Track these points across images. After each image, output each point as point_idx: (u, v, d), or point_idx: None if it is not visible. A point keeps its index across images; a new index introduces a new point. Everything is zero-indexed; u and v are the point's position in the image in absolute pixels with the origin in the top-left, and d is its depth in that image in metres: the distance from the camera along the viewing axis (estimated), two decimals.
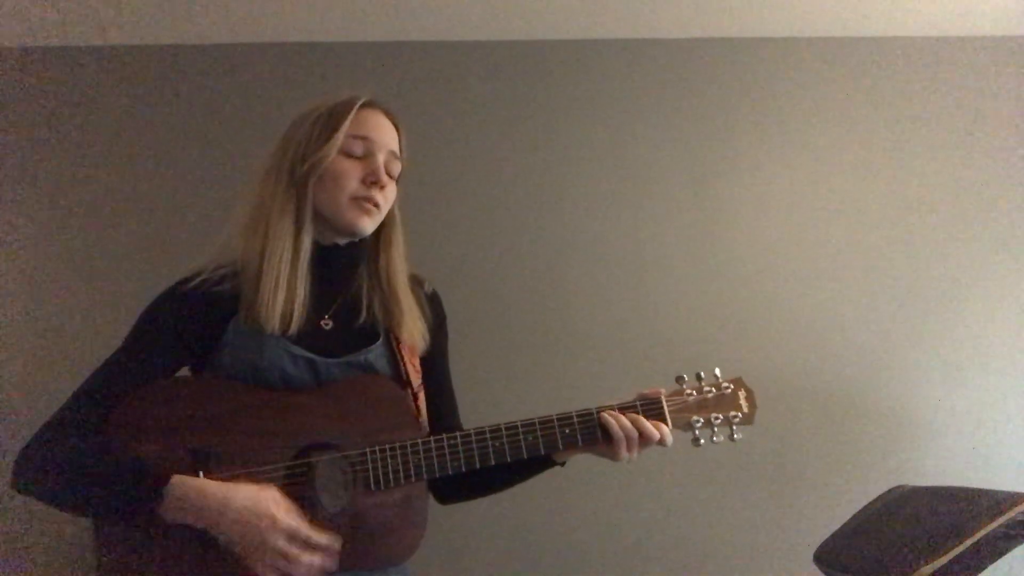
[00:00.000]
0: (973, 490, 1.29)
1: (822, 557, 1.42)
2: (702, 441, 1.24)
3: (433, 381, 1.30)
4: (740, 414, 1.26)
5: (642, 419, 1.18)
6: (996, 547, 1.10)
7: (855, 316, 2.37)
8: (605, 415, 1.18)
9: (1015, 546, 1.10)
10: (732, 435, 1.26)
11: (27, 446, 1.08)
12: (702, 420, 1.24)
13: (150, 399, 1.10)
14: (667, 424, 1.20)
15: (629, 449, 1.17)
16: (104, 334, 2.28)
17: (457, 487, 1.25)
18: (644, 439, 1.17)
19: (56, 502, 1.08)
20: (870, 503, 1.52)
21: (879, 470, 2.24)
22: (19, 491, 1.08)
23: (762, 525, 2.21)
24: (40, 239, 2.33)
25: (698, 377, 1.27)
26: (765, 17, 2.46)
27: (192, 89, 2.46)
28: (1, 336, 2.27)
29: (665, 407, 1.21)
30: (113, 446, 1.06)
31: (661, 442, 1.18)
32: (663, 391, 1.23)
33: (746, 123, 2.49)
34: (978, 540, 1.10)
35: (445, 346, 1.36)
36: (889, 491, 1.54)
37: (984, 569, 1.10)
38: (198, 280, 1.20)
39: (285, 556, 1.00)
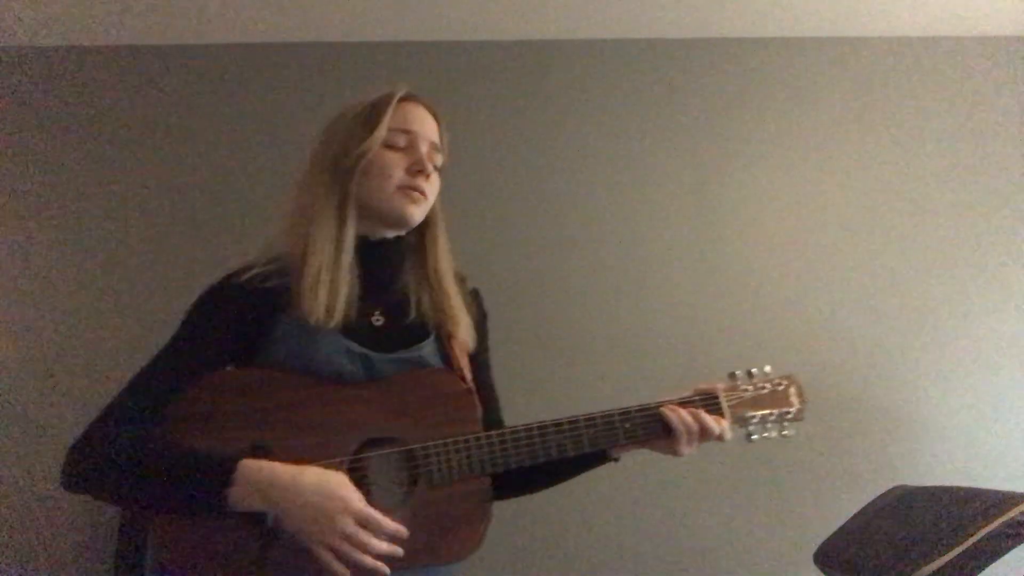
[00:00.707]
0: (973, 490, 1.29)
1: (822, 557, 1.42)
2: (754, 437, 1.25)
3: (478, 379, 1.28)
4: (792, 410, 1.27)
5: (703, 413, 1.19)
6: (996, 547, 1.10)
7: (855, 316, 2.37)
8: (665, 409, 1.18)
9: (1015, 546, 1.10)
10: (783, 431, 1.27)
11: (78, 443, 1.06)
12: (757, 416, 1.25)
13: (207, 392, 1.09)
14: (725, 419, 1.21)
15: (689, 443, 1.18)
16: (104, 334, 2.28)
17: (511, 483, 1.21)
18: (704, 433, 1.18)
19: (114, 497, 1.06)
20: (870, 503, 1.52)
21: (879, 470, 2.23)
22: (70, 489, 1.05)
23: (762, 525, 2.21)
24: (40, 238, 2.33)
25: (749, 373, 1.28)
26: (765, 17, 2.46)
27: (192, 89, 2.46)
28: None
29: (723, 402, 1.22)
30: (171, 439, 1.05)
31: (720, 437, 1.19)
32: (720, 386, 1.24)
33: (746, 123, 2.49)
34: (978, 540, 1.10)
35: (487, 344, 1.36)
36: (889, 491, 1.54)
37: (984, 569, 1.10)
38: (248, 274, 1.18)
39: (354, 541, 0.98)
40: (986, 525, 1.10)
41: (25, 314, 2.28)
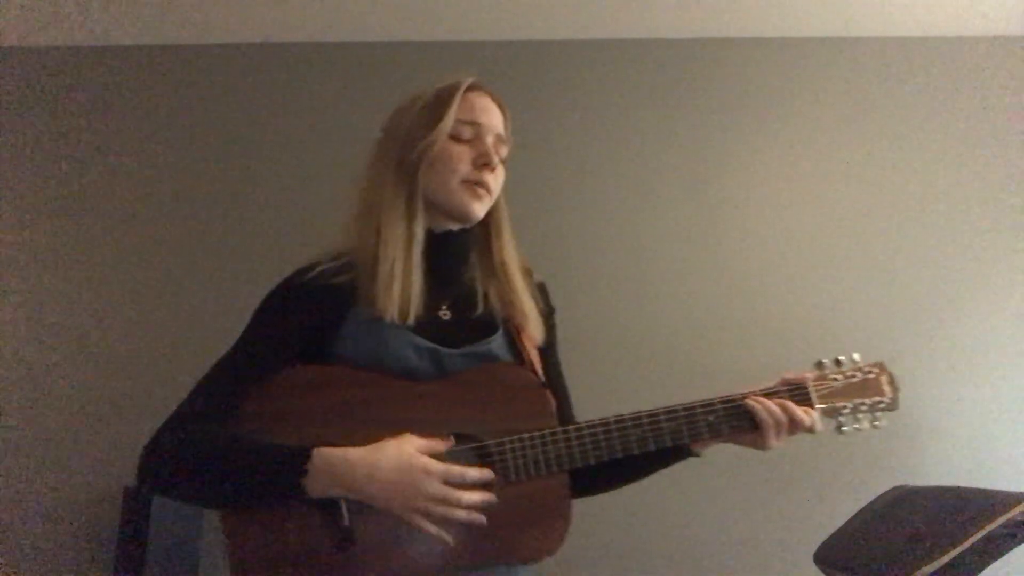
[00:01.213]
0: (973, 490, 1.29)
1: (822, 557, 1.42)
2: (845, 428, 1.20)
3: (548, 373, 1.26)
4: (885, 400, 1.22)
5: (791, 404, 1.14)
6: (996, 547, 1.10)
7: (855, 315, 2.36)
8: (751, 401, 1.14)
9: (1015, 546, 1.10)
10: (875, 422, 1.22)
11: (151, 443, 1.06)
12: (848, 406, 1.20)
13: (276, 390, 1.08)
14: (814, 410, 1.17)
15: (778, 436, 1.14)
16: (103, 334, 2.28)
17: (585, 481, 1.18)
18: (793, 425, 1.14)
19: (190, 495, 1.06)
20: (870, 503, 1.52)
21: (879, 470, 2.23)
22: (145, 489, 1.06)
23: (762, 525, 2.21)
24: (39, 238, 2.33)
25: (838, 362, 1.23)
26: (765, 17, 2.46)
27: (192, 89, 2.46)
28: None
29: (812, 392, 1.18)
30: (243, 434, 1.04)
31: (811, 428, 1.15)
32: (809, 376, 1.20)
33: (746, 123, 2.49)
34: (978, 540, 1.09)
35: (555, 337, 1.33)
36: (889, 491, 1.54)
37: (984, 569, 1.10)
38: (316, 271, 1.16)
39: (445, 499, 0.97)
40: (986, 525, 1.10)
41: (24, 314, 2.28)
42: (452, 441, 1.04)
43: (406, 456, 0.99)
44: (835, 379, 1.21)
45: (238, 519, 1.02)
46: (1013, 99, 2.53)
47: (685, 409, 1.13)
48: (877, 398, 1.22)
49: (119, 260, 2.33)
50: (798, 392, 1.18)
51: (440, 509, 0.97)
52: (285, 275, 1.19)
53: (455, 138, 1.17)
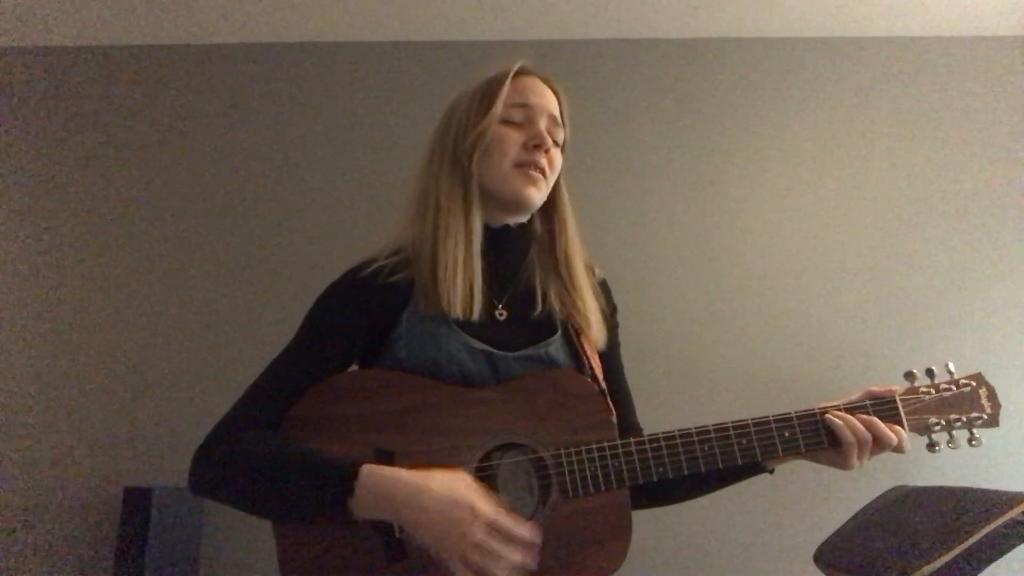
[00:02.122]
0: (973, 490, 1.28)
1: (822, 557, 1.42)
2: (938, 447, 1.12)
3: (611, 378, 1.19)
4: (984, 415, 1.13)
5: (876, 421, 1.06)
6: (996, 547, 1.09)
7: (855, 315, 2.36)
8: (831, 416, 1.06)
9: (1015, 546, 1.10)
10: (972, 439, 1.13)
11: (203, 446, 1.02)
12: (941, 423, 1.11)
13: (330, 394, 1.03)
14: (903, 427, 1.09)
15: (860, 455, 1.06)
16: (102, 335, 2.28)
17: (650, 493, 1.13)
18: (878, 444, 1.06)
19: (238, 502, 1.02)
20: (870, 503, 1.51)
21: (879, 470, 2.23)
22: (197, 493, 1.02)
23: (762, 525, 2.21)
24: (38, 237, 2.33)
25: (930, 373, 1.14)
26: (765, 17, 2.46)
27: (193, 89, 2.46)
28: None
29: (900, 408, 1.10)
30: (293, 443, 1.00)
31: (898, 448, 1.07)
32: (897, 389, 1.11)
33: (746, 123, 2.49)
34: (978, 540, 1.09)
35: (618, 340, 1.27)
36: (889, 491, 1.54)
37: (984, 569, 1.09)
38: (372, 269, 1.10)
39: (486, 551, 0.89)
40: (986, 525, 1.09)
41: (23, 315, 2.28)
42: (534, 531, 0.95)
43: (458, 490, 0.92)
44: (927, 393, 1.13)
45: (291, 525, 1.00)
46: (1013, 99, 2.53)
47: (758, 424, 1.06)
48: (974, 413, 1.13)
49: (119, 260, 2.33)
50: (885, 407, 1.10)
51: (479, 559, 0.89)
52: (345, 270, 1.13)
53: (506, 122, 1.12)
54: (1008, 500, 1.13)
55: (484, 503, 0.91)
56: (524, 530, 0.92)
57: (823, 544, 1.46)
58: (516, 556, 0.91)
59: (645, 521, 2.20)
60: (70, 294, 2.30)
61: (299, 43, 2.49)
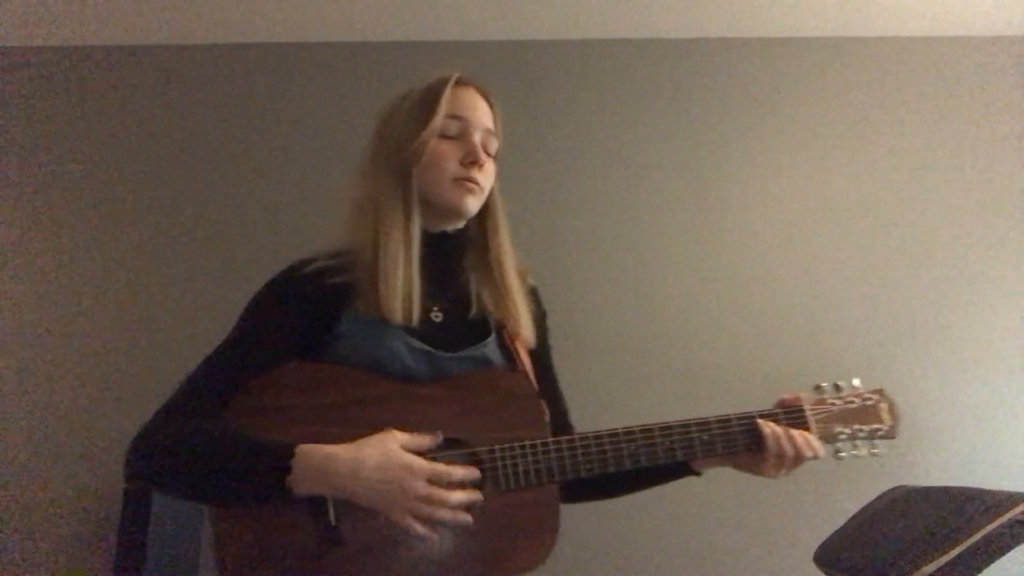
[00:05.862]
0: (973, 490, 1.29)
1: (822, 557, 1.42)
2: (842, 454, 1.17)
3: (542, 378, 1.24)
4: (883, 427, 1.20)
5: (793, 431, 1.11)
6: (996, 547, 1.09)
7: (854, 315, 2.36)
8: (760, 422, 1.11)
9: (1015, 546, 1.10)
10: (873, 449, 1.20)
11: (141, 433, 1.04)
12: (846, 432, 1.17)
13: (273, 386, 1.06)
14: (812, 432, 1.13)
15: (778, 463, 1.11)
16: (101, 335, 2.28)
17: (581, 489, 1.17)
18: (798, 453, 1.10)
19: (175, 487, 1.05)
20: (870, 503, 1.51)
21: (879, 470, 2.23)
22: (131, 479, 1.03)
23: (762, 525, 2.21)
24: (38, 238, 2.33)
25: (837, 387, 1.20)
26: (765, 17, 2.46)
27: (193, 89, 2.46)
28: None
29: (809, 416, 1.15)
30: (230, 428, 1.02)
31: (814, 456, 1.11)
32: (805, 398, 1.17)
33: (746, 123, 2.49)
34: (978, 540, 1.09)
35: (549, 343, 1.32)
36: (889, 491, 1.54)
37: (984, 569, 1.10)
38: (314, 267, 1.14)
39: (429, 498, 0.95)
40: (986, 525, 1.10)
41: (23, 316, 2.28)
42: (439, 437, 1.02)
43: (390, 453, 0.97)
44: (833, 404, 1.19)
45: (227, 512, 1.01)
46: (1013, 99, 2.53)
47: (681, 425, 1.11)
48: (876, 425, 1.20)
49: (119, 260, 2.33)
50: (794, 415, 1.15)
51: (425, 508, 0.95)
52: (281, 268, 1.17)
53: (443, 135, 1.16)
54: (1008, 500, 1.13)
55: (417, 459, 0.97)
56: (461, 471, 0.99)
57: (823, 544, 1.46)
58: (460, 495, 0.97)
59: (645, 521, 2.21)
60: (70, 294, 2.30)
61: (299, 43, 2.50)
